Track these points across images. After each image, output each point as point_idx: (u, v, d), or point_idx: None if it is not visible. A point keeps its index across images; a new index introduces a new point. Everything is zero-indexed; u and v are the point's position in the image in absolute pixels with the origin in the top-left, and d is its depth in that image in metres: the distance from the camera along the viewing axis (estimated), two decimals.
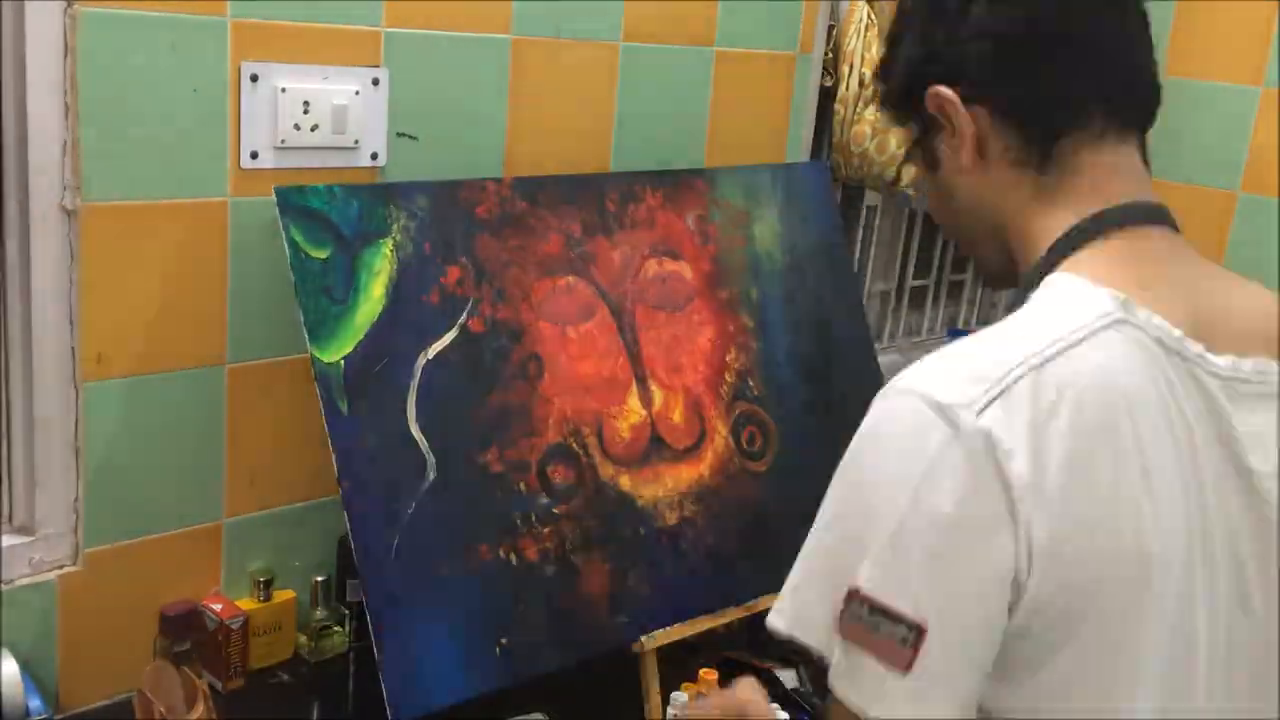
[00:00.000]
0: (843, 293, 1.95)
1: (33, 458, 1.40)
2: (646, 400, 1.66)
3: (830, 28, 2.13)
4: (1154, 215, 0.98)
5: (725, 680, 1.59)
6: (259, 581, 1.58)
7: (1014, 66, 0.96)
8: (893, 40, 1.05)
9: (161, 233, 1.43)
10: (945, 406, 0.82)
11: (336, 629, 1.63)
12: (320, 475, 1.51)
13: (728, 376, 1.76)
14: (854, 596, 0.83)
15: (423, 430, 1.46)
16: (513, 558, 1.50)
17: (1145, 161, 1.01)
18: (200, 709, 1.35)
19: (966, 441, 0.81)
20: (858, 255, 2.46)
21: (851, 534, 0.85)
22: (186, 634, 1.49)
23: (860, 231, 2.47)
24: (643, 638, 1.55)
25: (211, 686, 1.50)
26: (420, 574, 1.43)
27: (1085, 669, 0.85)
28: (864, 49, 2.11)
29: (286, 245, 1.40)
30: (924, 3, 1.02)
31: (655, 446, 1.65)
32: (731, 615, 1.63)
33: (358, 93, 1.54)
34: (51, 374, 1.39)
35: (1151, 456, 0.85)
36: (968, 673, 0.84)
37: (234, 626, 1.52)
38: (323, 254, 1.43)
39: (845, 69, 2.12)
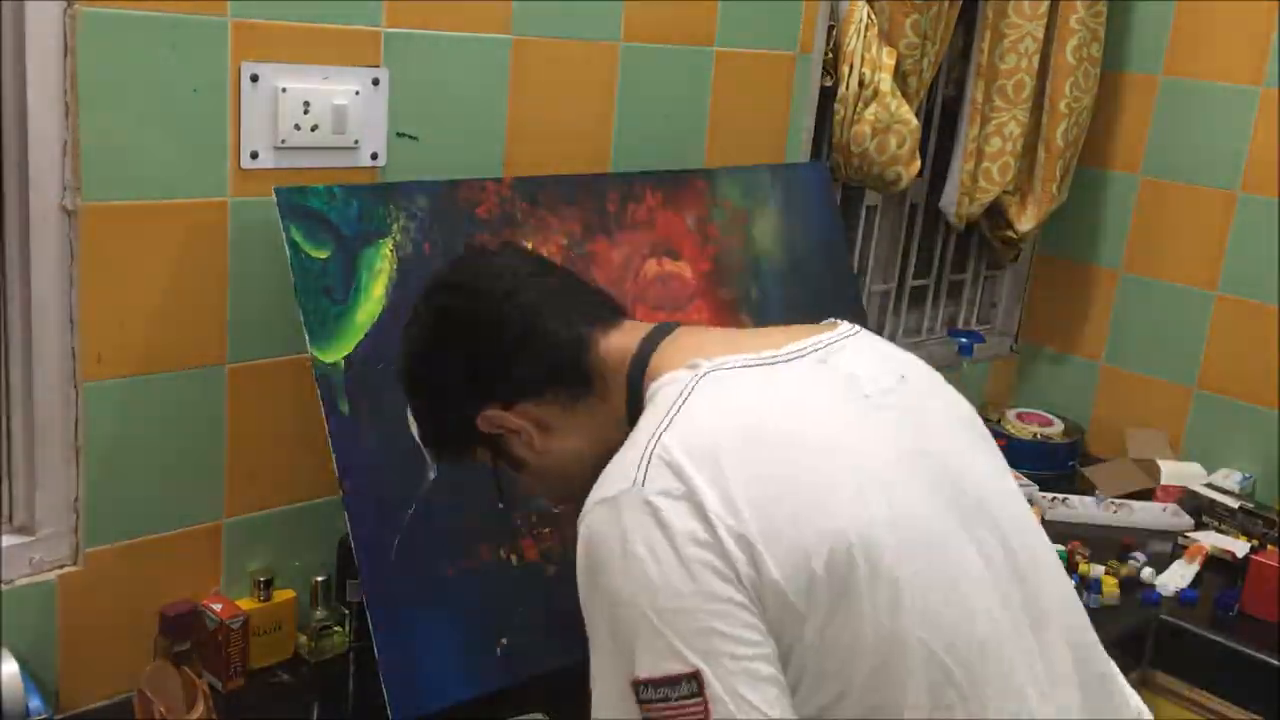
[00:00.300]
0: (843, 292, 1.95)
1: (33, 458, 1.40)
2: None
3: (830, 28, 2.13)
4: (668, 328, 1.17)
5: None
6: (259, 581, 1.58)
7: (525, 363, 1.16)
8: (421, 414, 1.29)
9: (161, 233, 1.43)
10: (610, 499, 0.99)
11: (336, 629, 1.63)
12: (320, 475, 1.51)
13: None
14: (638, 685, 0.95)
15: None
16: (513, 558, 1.50)
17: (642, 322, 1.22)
18: (200, 709, 1.35)
19: (642, 510, 0.96)
20: (858, 255, 2.46)
21: (613, 648, 0.98)
22: (186, 634, 1.49)
23: (860, 231, 2.47)
24: None
25: (211, 686, 1.50)
26: (420, 574, 1.43)
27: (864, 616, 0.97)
28: (864, 49, 2.11)
29: (287, 245, 1.40)
30: (423, 372, 1.24)
31: None
32: None
33: (358, 93, 1.54)
34: (51, 374, 1.39)
35: (797, 438, 1.02)
36: (758, 685, 0.95)
37: (234, 626, 1.52)
38: (323, 254, 1.43)
39: (845, 69, 2.12)
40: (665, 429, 1.01)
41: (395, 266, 1.48)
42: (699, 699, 0.93)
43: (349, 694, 1.59)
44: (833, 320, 1.20)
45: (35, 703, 1.35)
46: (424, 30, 1.59)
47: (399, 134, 1.60)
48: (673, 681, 0.94)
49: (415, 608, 1.41)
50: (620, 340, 1.17)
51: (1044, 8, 2.36)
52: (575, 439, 1.18)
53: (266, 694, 1.55)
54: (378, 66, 1.56)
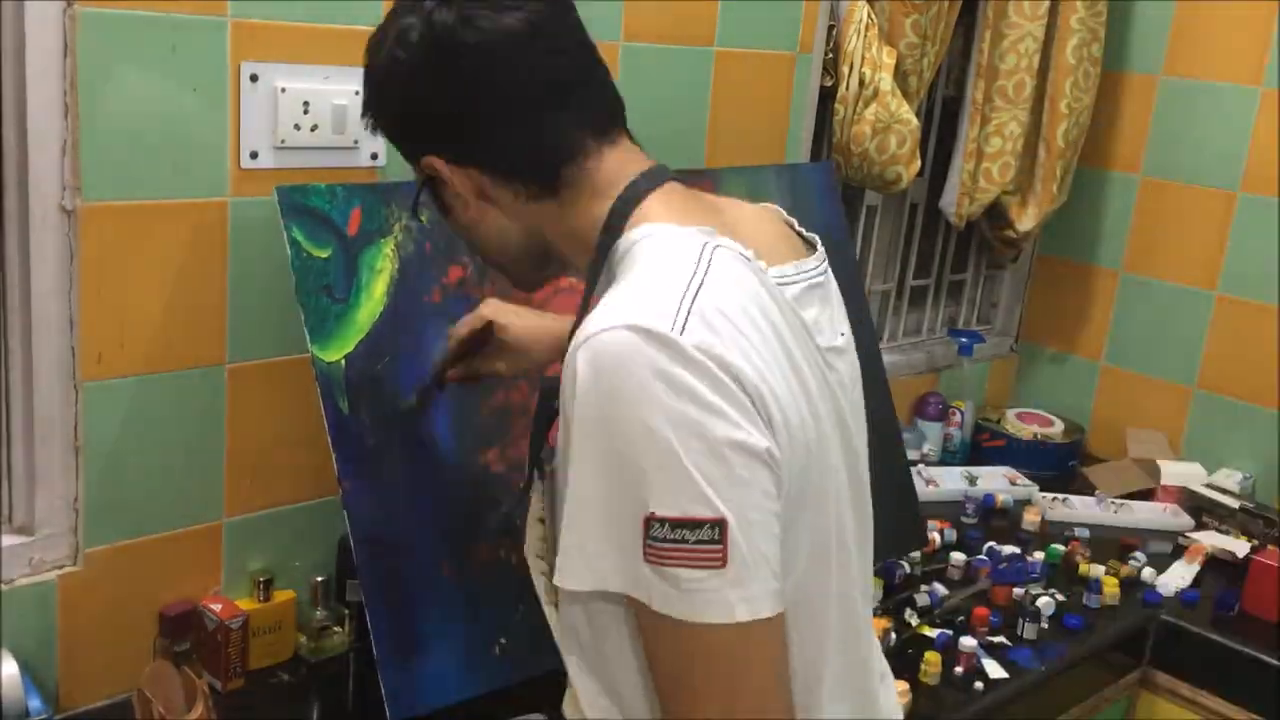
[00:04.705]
0: (847, 293, 1.94)
1: (33, 458, 1.40)
2: None
3: (830, 28, 2.13)
4: (664, 175, 1.08)
5: None
6: (259, 581, 1.58)
7: (494, 134, 1.04)
8: (374, 101, 1.11)
9: (161, 233, 1.43)
10: (645, 330, 0.89)
11: (336, 629, 1.63)
12: (320, 475, 1.52)
13: None
14: (651, 521, 0.88)
15: (423, 430, 1.46)
16: (513, 558, 1.50)
17: (635, 143, 1.11)
18: (200, 709, 1.35)
19: (683, 354, 0.88)
20: (858, 255, 2.46)
21: (623, 478, 0.89)
22: (186, 634, 1.49)
23: (860, 231, 2.47)
24: None
25: (211, 686, 1.50)
26: (420, 574, 1.43)
27: (808, 536, 0.98)
28: (864, 49, 2.11)
29: (288, 245, 1.40)
30: (394, 78, 1.07)
31: None
32: None
33: (358, 93, 1.53)
34: (51, 374, 1.39)
35: (776, 346, 0.96)
36: (774, 550, 0.91)
37: (234, 626, 1.52)
38: (324, 253, 1.43)
39: (845, 69, 2.12)
40: (701, 288, 0.93)
41: (396, 266, 1.48)
42: (718, 546, 0.88)
43: (349, 694, 1.59)
44: (813, 239, 1.16)
45: (35, 703, 1.35)
46: None
47: None
48: (694, 525, 0.88)
49: (414, 608, 1.41)
50: (615, 162, 1.06)
51: (1044, 8, 2.36)
52: (513, 221, 1.09)
53: (266, 694, 1.55)
54: None
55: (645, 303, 0.92)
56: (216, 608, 1.53)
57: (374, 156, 1.58)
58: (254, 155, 1.48)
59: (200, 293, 1.48)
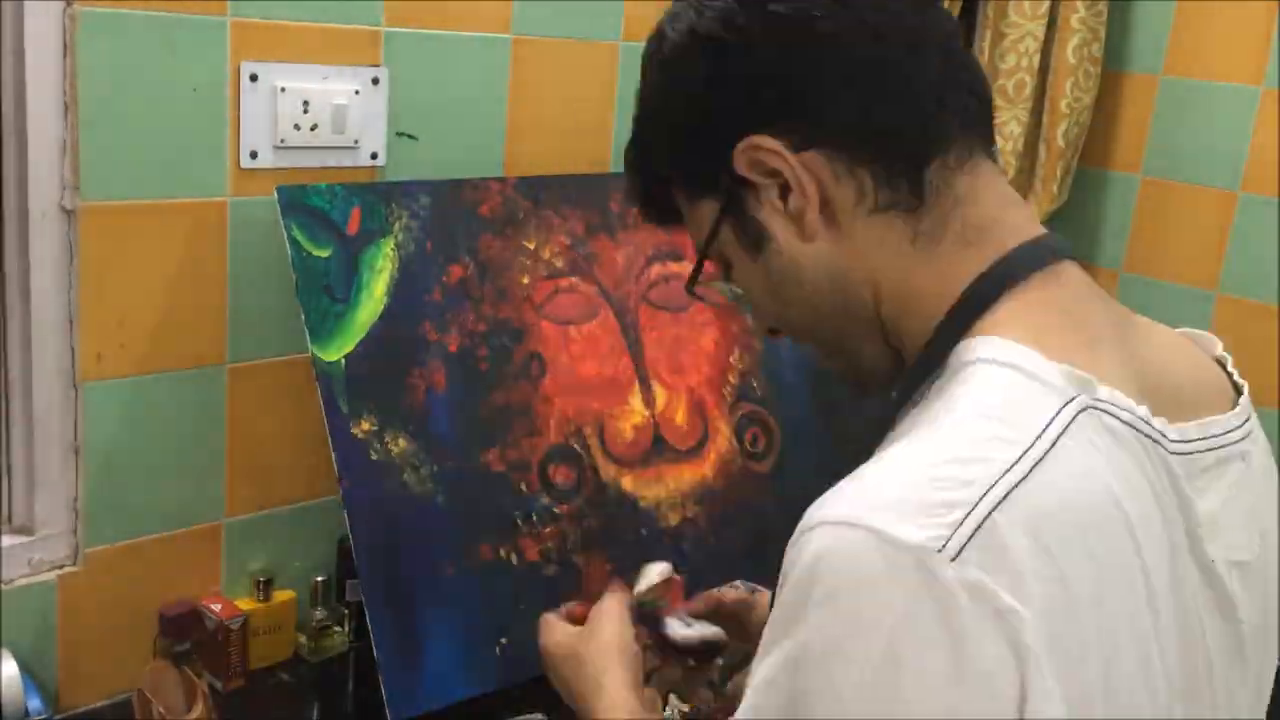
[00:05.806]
0: None
1: (32, 458, 1.40)
2: (649, 401, 1.66)
3: None
4: (1063, 249, 0.79)
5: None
6: (259, 581, 1.58)
7: (855, 91, 0.75)
8: (649, 106, 0.87)
9: (161, 233, 1.43)
10: (896, 542, 0.62)
11: (336, 629, 1.63)
12: (320, 475, 1.51)
13: (731, 377, 1.76)
14: None
15: (423, 430, 1.46)
16: (513, 558, 1.50)
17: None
18: (200, 709, 1.35)
19: (923, 584, 0.61)
20: None
21: (784, 700, 0.66)
22: (186, 634, 1.48)
23: None
24: None
25: (211, 686, 1.49)
26: (420, 574, 1.42)
27: None
28: None
29: (288, 244, 1.40)
30: (703, 35, 0.78)
31: (658, 447, 1.65)
32: None
33: (357, 92, 1.54)
34: (51, 374, 1.38)
35: (1151, 577, 0.68)
36: None
37: (234, 626, 1.52)
38: (324, 253, 1.43)
39: None
40: (1018, 487, 0.64)
41: (397, 265, 1.48)
42: None
43: (349, 694, 1.59)
44: (1241, 384, 0.85)
45: (35, 703, 1.35)
46: (424, 30, 1.59)
47: (399, 134, 1.60)
48: None
49: (414, 608, 1.41)
50: (993, 197, 0.78)
51: (1044, 8, 2.36)
52: (854, 258, 0.77)
53: (266, 694, 1.55)
54: (377, 66, 1.56)
55: (916, 492, 0.64)
56: (216, 608, 1.53)
57: (374, 156, 1.58)
58: (254, 155, 1.47)
59: (200, 293, 1.48)
